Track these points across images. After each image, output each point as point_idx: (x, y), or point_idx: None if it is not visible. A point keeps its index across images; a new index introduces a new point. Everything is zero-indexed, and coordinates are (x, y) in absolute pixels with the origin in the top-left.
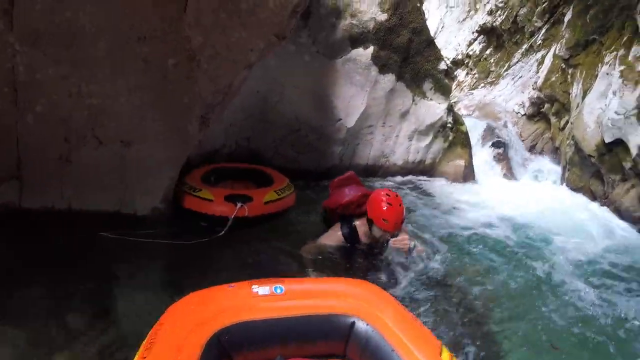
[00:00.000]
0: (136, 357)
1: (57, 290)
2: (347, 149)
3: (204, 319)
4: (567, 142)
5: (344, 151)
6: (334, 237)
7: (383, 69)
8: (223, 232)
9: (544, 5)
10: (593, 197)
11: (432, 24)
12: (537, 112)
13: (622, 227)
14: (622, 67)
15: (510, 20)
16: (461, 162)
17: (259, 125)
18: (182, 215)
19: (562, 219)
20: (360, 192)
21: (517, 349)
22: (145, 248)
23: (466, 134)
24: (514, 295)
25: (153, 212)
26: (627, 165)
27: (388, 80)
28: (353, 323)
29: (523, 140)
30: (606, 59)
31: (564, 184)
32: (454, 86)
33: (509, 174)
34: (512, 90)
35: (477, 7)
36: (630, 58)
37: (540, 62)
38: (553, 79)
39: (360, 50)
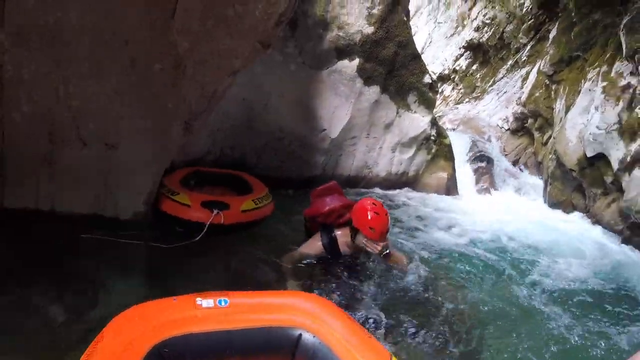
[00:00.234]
0: None
1: (34, 290)
2: (331, 159)
3: (145, 331)
4: (550, 156)
5: (327, 161)
6: (313, 246)
7: (368, 80)
8: (198, 237)
9: (529, 23)
10: (574, 210)
11: (420, 39)
12: (521, 127)
13: (602, 241)
14: (604, 83)
15: (497, 37)
16: (444, 175)
17: (243, 133)
18: (162, 219)
19: (543, 233)
20: (342, 202)
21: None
22: (124, 251)
23: (449, 146)
24: (495, 310)
25: (135, 215)
26: (609, 179)
27: (373, 92)
28: (300, 336)
29: (506, 155)
30: (589, 75)
31: (546, 198)
32: (439, 101)
33: (492, 187)
34: (497, 105)
35: (465, 23)
36: (612, 74)
37: (525, 78)
38: (537, 94)
39: (346, 61)
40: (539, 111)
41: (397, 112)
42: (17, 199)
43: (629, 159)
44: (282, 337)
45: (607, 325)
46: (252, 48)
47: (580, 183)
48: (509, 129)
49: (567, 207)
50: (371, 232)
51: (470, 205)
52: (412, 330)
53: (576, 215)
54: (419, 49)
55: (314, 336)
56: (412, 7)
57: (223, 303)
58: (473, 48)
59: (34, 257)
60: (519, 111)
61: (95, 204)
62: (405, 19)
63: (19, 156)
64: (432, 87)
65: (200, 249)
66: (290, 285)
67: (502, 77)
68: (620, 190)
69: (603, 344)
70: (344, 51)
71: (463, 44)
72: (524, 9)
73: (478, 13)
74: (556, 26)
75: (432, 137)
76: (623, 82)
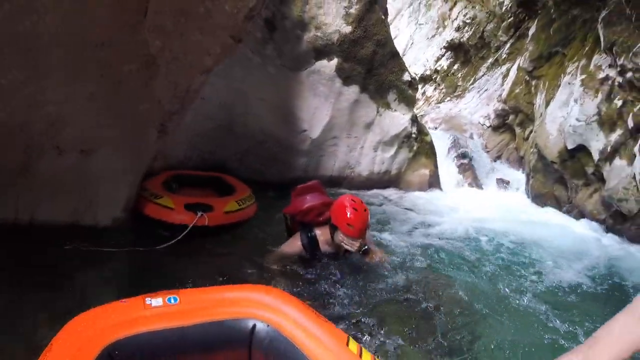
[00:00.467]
0: None
1: (16, 300)
2: (312, 160)
3: (93, 336)
4: (531, 150)
5: (308, 162)
6: (293, 246)
7: (347, 80)
8: (180, 237)
9: (509, 21)
10: (557, 202)
11: (401, 41)
12: (502, 124)
13: (583, 230)
14: (583, 76)
15: (477, 36)
16: (426, 172)
17: (223, 137)
18: (144, 223)
19: (525, 225)
20: (322, 200)
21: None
22: (107, 257)
23: (431, 143)
24: (479, 305)
25: (114, 222)
26: (590, 170)
27: (352, 91)
28: (254, 326)
29: (488, 151)
30: (568, 70)
31: (528, 191)
32: (422, 101)
33: (475, 183)
34: (478, 103)
35: (446, 23)
36: (591, 67)
37: (505, 75)
38: (517, 90)
39: (324, 62)
40: (519, 107)
41: (378, 111)
42: None
43: (609, 149)
44: (235, 330)
45: (593, 314)
46: (224, 44)
47: (562, 175)
48: (490, 126)
49: (549, 199)
50: (349, 229)
51: (453, 200)
52: (405, 320)
53: (558, 207)
54: (401, 51)
55: (268, 325)
56: (392, 10)
57: (173, 301)
58: (454, 48)
59: (14, 266)
60: (500, 108)
61: (74, 212)
62: (383, 17)
63: None
64: (412, 84)
65: (184, 251)
66: (273, 284)
67: (482, 75)
68: (602, 180)
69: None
70: (322, 51)
71: (444, 44)
72: (504, 8)
73: (458, 13)
74: (535, 23)
75: (413, 135)
76: (602, 75)
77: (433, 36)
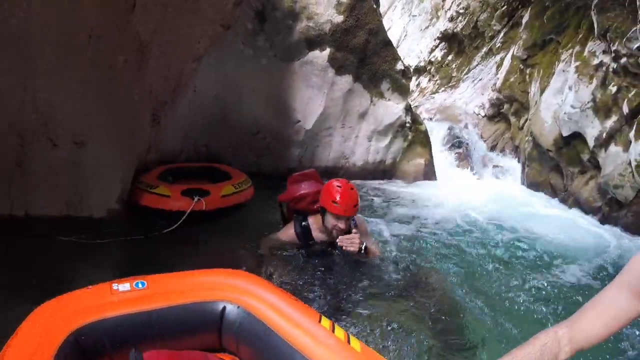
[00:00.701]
0: None
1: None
2: (306, 151)
3: (59, 322)
4: (526, 138)
5: (303, 153)
6: (286, 234)
7: (340, 70)
8: (178, 224)
9: (503, 9)
10: (552, 190)
11: (395, 33)
12: (497, 113)
13: (579, 219)
14: (577, 63)
15: (471, 26)
16: (421, 161)
17: (217, 129)
18: (139, 214)
19: (521, 214)
20: (317, 188)
21: (482, 343)
22: (102, 248)
23: (425, 132)
24: (476, 294)
25: (109, 213)
26: (585, 157)
27: (345, 81)
28: (223, 308)
29: (484, 141)
30: (562, 57)
31: (524, 180)
32: (416, 92)
33: (470, 172)
34: (472, 93)
35: (439, 14)
36: (585, 54)
37: (500, 64)
38: (512, 79)
39: (317, 52)
40: (514, 96)
41: (371, 101)
42: None
43: (604, 135)
44: (205, 312)
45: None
46: (213, 31)
47: (557, 163)
48: (485, 116)
49: (545, 187)
50: (335, 207)
51: (449, 190)
52: (399, 311)
53: (554, 195)
54: (394, 43)
55: (238, 307)
56: (385, 2)
57: (140, 285)
58: (448, 38)
59: (10, 260)
60: (494, 97)
61: (68, 204)
62: (374, 6)
63: None
64: (405, 73)
65: (180, 241)
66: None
67: (476, 65)
68: (597, 168)
69: None
70: (314, 41)
71: (438, 35)
72: None
73: (452, 3)
74: (529, 11)
75: (408, 124)
76: (596, 61)
77: (426, 27)
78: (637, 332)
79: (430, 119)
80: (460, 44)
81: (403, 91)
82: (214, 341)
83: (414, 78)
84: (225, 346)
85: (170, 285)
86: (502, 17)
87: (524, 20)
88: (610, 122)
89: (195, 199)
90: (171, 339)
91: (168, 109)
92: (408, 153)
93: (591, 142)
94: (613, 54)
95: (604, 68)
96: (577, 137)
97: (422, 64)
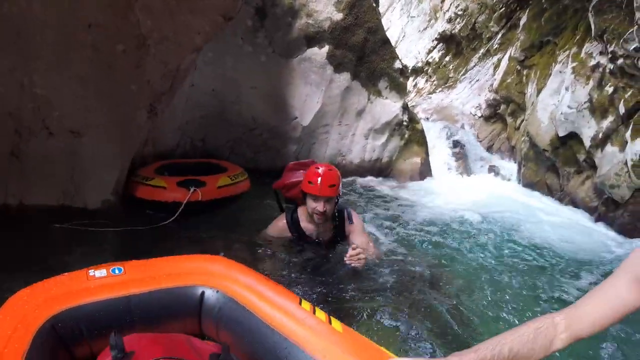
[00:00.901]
0: None
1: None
2: (303, 148)
3: (35, 309)
4: (522, 139)
5: (299, 150)
6: (278, 225)
7: (338, 67)
8: (175, 216)
9: (501, 11)
10: (549, 190)
11: (393, 34)
12: (494, 114)
13: (576, 218)
14: (574, 64)
15: (469, 27)
16: (417, 160)
17: (215, 125)
18: (135, 207)
19: (517, 214)
20: None
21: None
22: (97, 239)
23: (422, 131)
24: (473, 293)
25: (104, 204)
26: (581, 157)
27: (343, 79)
28: (202, 293)
29: (480, 142)
30: (559, 58)
31: (520, 180)
32: (413, 93)
33: (466, 173)
34: (469, 94)
35: (437, 15)
36: (582, 55)
37: (497, 65)
38: (509, 80)
39: (315, 49)
40: (511, 97)
41: (369, 98)
42: None
43: (600, 135)
44: (184, 297)
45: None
46: (214, 22)
47: (554, 163)
48: (482, 116)
49: (542, 187)
50: (310, 187)
51: (445, 189)
52: (397, 308)
53: (550, 195)
54: (393, 44)
55: (217, 291)
56: (385, 2)
57: (117, 271)
58: (446, 40)
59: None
60: (491, 98)
61: (64, 194)
62: (374, 4)
63: None
64: (403, 72)
65: (175, 234)
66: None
67: (474, 66)
68: (593, 167)
69: None
70: (313, 39)
71: (436, 36)
72: None
73: (450, 5)
74: (526, 13)
75: (405, 123)
76: (593, 62)
77: (425, 28)
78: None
79: (427, 118)
80: (458, 45)
81: (400, 90)
82: (194, 327)
83: (411, 79)
84: (205, 332)
85: (147, 271)
86: (500, 18)
87: (521, 22)
88: (606, 123)
89: (192, 189)
90: (150, 324)
91: (165, 100)
92: (404, 152)
93: (587, 142)
94: (610, 55)
95: (600, 69)
96: (573, 137)
97: (420, 64)
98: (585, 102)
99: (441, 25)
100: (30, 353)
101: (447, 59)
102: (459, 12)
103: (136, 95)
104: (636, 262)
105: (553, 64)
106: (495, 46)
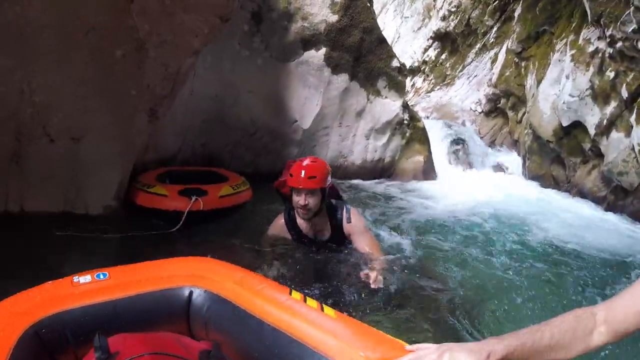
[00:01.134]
0: None
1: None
2: (304, 151)
3: (17, 316)
4: (525, 131)
5: (300, 153)
6: (276, 224)
7: (336, 69)
8: (178, 226)
9: (494, 4)
10: (555, 182)
11: (388, 35)
12: (494, 108)
13: (584, 209)
14: (572, 52)
15: (463, 23)
16: (420, 158)
17: (214, 130)
18: (136, 213)
19: (523, 207)
20: None
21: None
22: (99, 245)
23: (423, 129)
24: (481, 287)
25: (105, 210)
26: (587, 146)
27: (342, 80)
28: (190, 293)
29: (482, 137)
30: (557, 47)
31: (525, 174)
32: (411, 92)
33: (469, 169)
34: (468, 90)
35: (431, 14)
36: (580, 42)
37: (494, 60)
38: (507, 73)
39: (312, 52)
40: (510, 90)
41: (368, 99)
42: None
43: (605, 122)
44: (171, 299)
45: (592, 292)
46: (211, 24)
47: (559, 154)
48: (482, 112)
49: (547, 179)
50: (291, 179)
51: (449, 187)
52: (405, 311)
53: (557, 187)
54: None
55: (205, 290)
56: (378, 4)
57: (102, 276)
58: (441, 38)
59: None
60: (490, 92)
61: (65, 200)
62: (368, 4)
63: None
64: (401, 70)
65: (175, 240)
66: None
67: (471, 62)
68: (600, 156)
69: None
70: (309, 41)
71: (431, 34)
72: None
73: (443, 2)
74: (520, 4)
75: (406, 121)
76: (591, 48)
77: (419, 28)
78: None
79: (427, 117)
80: (453, 42)
81: (399, 88)
82: (183, 329)
83: (408, 79)
84: (195, 333)
85: (133, 275)
86: (494, 12)
87: (516, 14)
88: (610, 108)
89: (193, 198)
90: (137, 328)
91: (166, 104)
92: (407, 150)
93: (592, 130)
94: (608, 39)
95: (600, 54)
96: (577, 126)
97: (416, 64)
98: (587, 90)
99: (435, 24)
100: None
101: (443, 56)
102: (453, 9)
103: (136, 99)
104: None
105: (551, 54)
106: (491, 40)
